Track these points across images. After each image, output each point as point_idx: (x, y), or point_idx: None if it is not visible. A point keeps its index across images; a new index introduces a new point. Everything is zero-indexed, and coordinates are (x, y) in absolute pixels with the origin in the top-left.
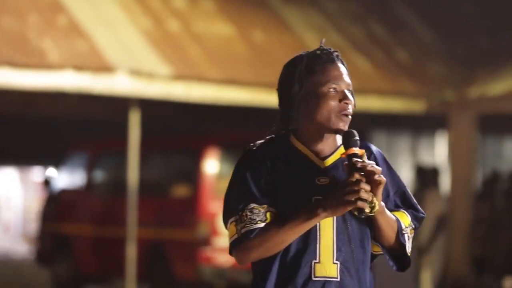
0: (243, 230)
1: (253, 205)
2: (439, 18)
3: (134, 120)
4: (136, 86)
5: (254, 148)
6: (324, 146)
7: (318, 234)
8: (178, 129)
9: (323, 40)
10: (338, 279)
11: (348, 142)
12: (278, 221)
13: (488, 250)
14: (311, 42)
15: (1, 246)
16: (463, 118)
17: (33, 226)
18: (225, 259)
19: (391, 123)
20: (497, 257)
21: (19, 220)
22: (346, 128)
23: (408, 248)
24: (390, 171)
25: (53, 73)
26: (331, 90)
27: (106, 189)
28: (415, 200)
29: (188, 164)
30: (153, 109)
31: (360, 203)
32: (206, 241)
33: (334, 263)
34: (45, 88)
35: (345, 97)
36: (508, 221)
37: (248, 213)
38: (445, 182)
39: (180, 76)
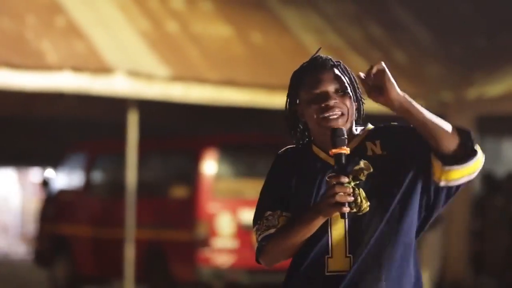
0: (259, 238)
1: (268, 212)
2: (437, 19)
3: (133, 121)
4: (135, 87)
5: (280, 153)
6: None
7: (329, 229)
8: (177, 130)
9: (320, 49)
10: (351, 273)
11: (334, 141)
12: (286, 226)
13: (486, 250)
14: (309, 43)
15: (0, 247)
16: (461, 119)
17: (32, 227)
18: (223, 259)
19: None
20: (495, 257)
21: (18, 221)
22: (338, 124)
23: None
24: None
25: (51, 74)
26: (314, 96)
27: (105, 190)
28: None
29: (186, 165)
30: (151, 110)
31: (339, 208)
32: (204, 242)
33: (347, 256)
34: (44, 89)
35: (324, 99)
36: (506, 222)
37: (264, 221)
38: None
39: (178, 77)
